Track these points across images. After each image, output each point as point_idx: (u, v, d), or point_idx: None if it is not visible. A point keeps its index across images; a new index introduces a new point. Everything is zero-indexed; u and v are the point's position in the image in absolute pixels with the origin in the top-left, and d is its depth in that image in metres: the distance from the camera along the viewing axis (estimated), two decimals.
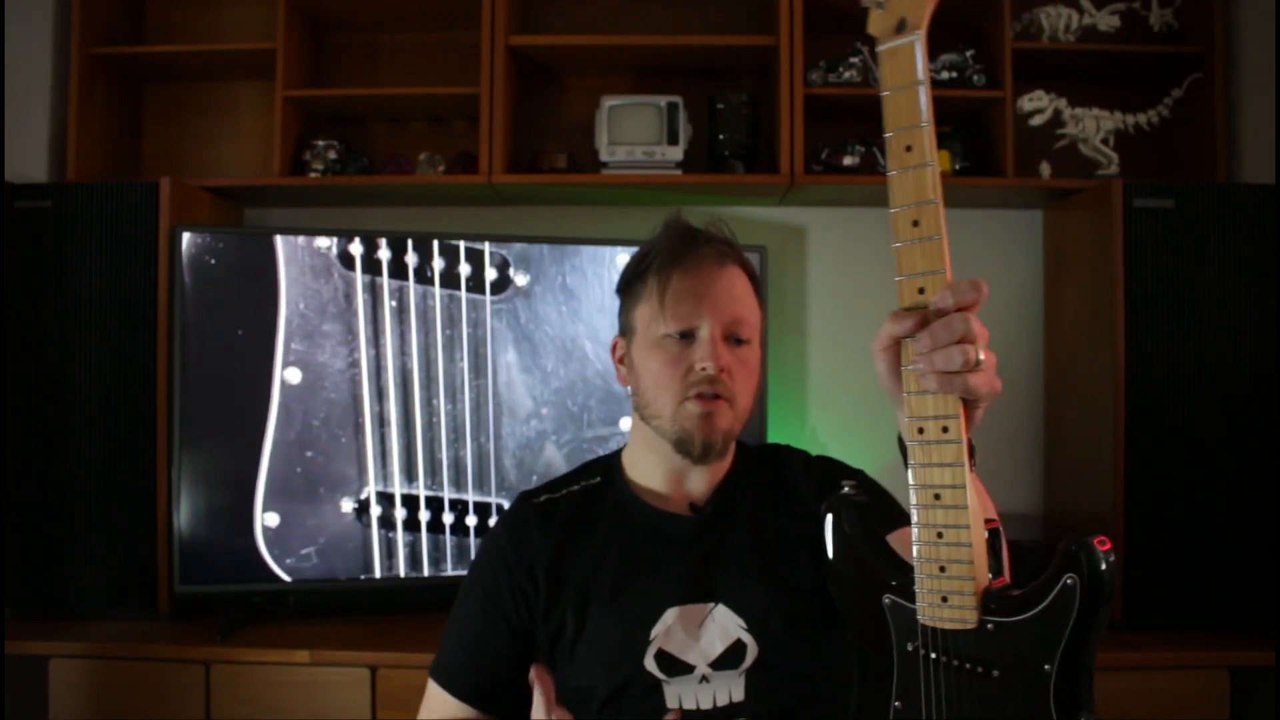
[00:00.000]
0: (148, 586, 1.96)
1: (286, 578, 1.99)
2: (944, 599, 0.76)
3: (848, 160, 2.18)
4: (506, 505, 2.02)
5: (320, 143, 2.22)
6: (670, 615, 1.10)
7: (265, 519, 1.98)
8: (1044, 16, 2.19)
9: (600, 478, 1.23)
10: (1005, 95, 2.12)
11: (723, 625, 1.10)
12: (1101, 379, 2.01)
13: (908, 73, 0.77)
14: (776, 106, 2.16)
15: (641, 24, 2.34)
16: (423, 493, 2.05)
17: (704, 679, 1.08)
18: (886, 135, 0.78)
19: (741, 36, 2.23)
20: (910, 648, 0.78)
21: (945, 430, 0.77)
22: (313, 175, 2.20)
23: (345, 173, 2.23)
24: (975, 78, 2.16)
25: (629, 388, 1.19)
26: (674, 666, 1.08)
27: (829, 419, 2.41)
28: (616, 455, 1.25)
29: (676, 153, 2.17)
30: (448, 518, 2.06)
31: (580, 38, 2.22)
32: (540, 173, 2.22)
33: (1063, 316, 2.28)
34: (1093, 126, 2.20)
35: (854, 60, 2.16)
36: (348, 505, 2.02)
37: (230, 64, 2.30)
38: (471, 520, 2.07)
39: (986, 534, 0.78)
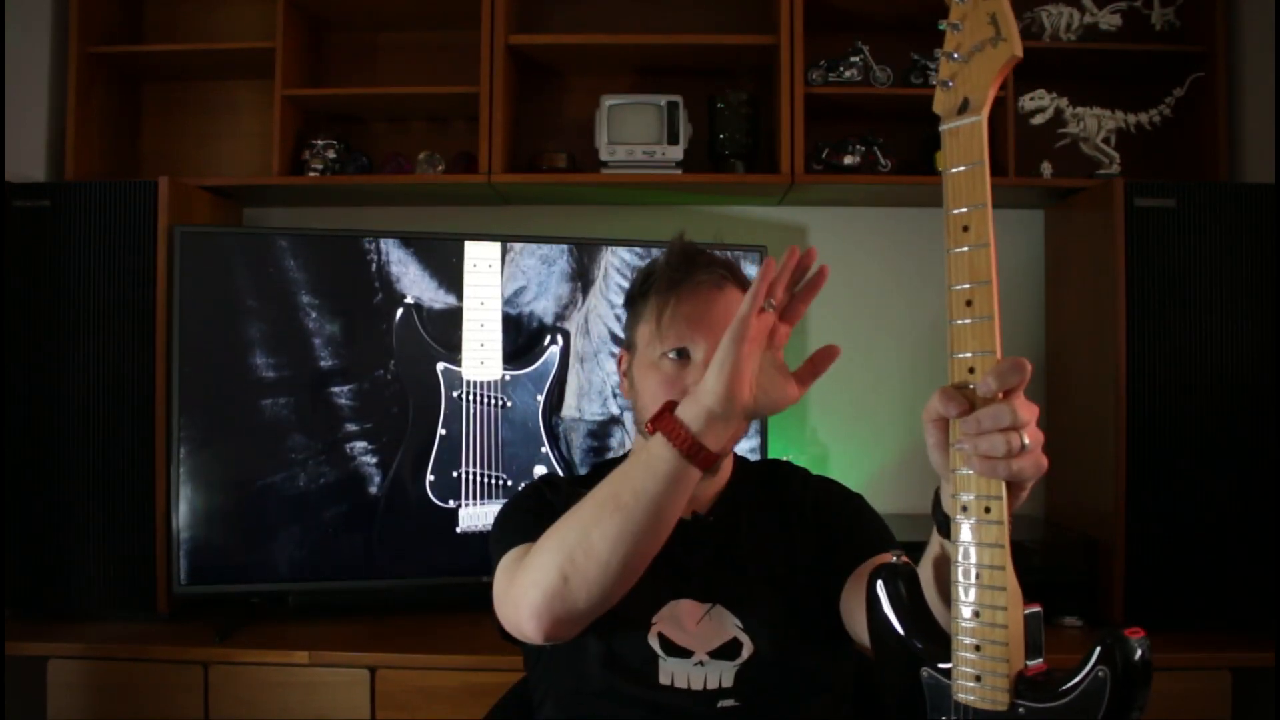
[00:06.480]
0: (147, 587, 1.96)
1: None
2: (978, 678, 0.76)
3: (848, 160, 2.18)
4: None
5: (319, 142, 2.21)
6: (671, 606, 1.14)
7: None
8: (1045, 15, 2.19)
9: None
10: (1006, 95, 2.11)
11: (720, 624, 1.14)
12: (1102, 379, 2.00)
13: (970, 152, 0.79)
14: (776, 106, 2.16)
15: (641, 24, 2.33)
16: None
17: (700, 663, 1.12)
18: (947, 213, 0.80)
19: (741, 36, 2.23)
20: None
21: (987, 510, 0.76)
22: (312, 175, 2.19)
23: (345, 172, 2.22)
24: None
25: (630, 400, 1.23)
26: (673, 649, 1.13)
27: (829, 419, 2.40)
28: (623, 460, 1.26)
29: (676, 152, 2.17)
30: None
31: (580, 37, 2.22)
32: (540, 172, 2.22)
33: (1063, 316, 2.27)
34: (1094, 126, 2.19)
35: (854, 59, 2.15)
36: None
37: (229, 63, 2.29)
38: None
39: (1026, 616, 0.77)
